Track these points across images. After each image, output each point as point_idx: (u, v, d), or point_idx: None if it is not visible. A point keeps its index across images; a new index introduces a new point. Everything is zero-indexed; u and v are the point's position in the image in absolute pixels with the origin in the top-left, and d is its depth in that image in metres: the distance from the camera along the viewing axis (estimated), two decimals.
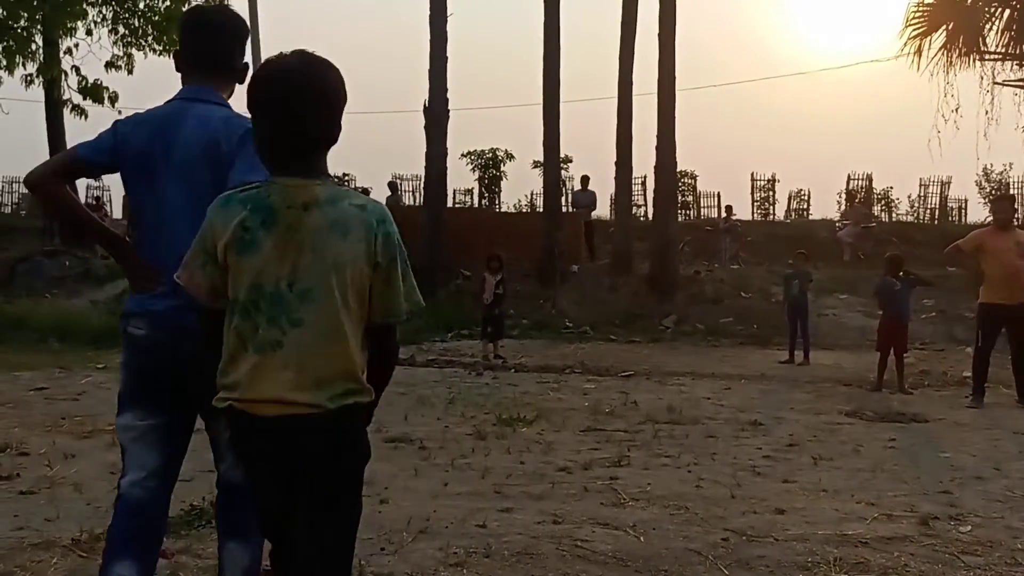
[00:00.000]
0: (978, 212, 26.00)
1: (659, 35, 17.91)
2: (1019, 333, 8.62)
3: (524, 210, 26.59)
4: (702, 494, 4.96)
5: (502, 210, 26.72)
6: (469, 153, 26.84)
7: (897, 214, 26.76)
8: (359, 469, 2.27)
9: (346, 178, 28.41)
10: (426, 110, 18.34)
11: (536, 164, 21.32)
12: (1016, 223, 10.14)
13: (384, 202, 22.87)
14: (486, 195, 27.56)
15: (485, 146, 27.07)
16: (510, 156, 26.81)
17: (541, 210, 20.72)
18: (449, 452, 6.00)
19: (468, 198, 28.22)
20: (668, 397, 8.78)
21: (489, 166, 26.88)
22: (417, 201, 24.62)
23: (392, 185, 24.38)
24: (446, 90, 18.26)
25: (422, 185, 20.83)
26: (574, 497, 4.86)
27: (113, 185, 26.59)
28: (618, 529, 4.21)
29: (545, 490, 5.00)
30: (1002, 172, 24.74)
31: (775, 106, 56.43)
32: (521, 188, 42.45)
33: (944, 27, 17.74)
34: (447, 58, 18.21)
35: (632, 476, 5.38)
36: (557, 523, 4.31)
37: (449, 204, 23.06)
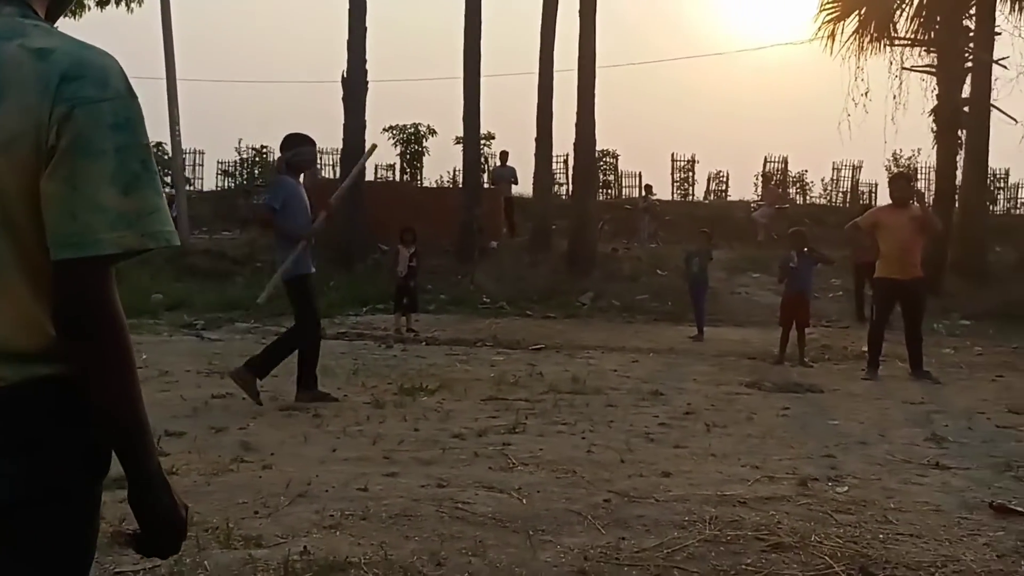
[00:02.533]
0: (887, 195, 26.79)
1: (580, 11, 17.90)
2: (912, 307, 8.88)
3: (446, 186, 26.39)
4: (592, 459, 4.97)
5: (424, 186, 26.47)
6: (391, 128, 26.50)
7: (811, 196, 27.41)
8: (72, 485, 1.32)
9: (264, 150, 27.83)
10: (344, 81, 18.01)
11: (458, 140, 21.15)
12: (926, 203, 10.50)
13: (302, 176, 22.35)
14: (408, 171, 27.25)
15: (407, 121, 26.77)
16: (432, 131, 26.54)
17: (462, 186, 20.61)
18: (343, 420, 5.91)
19: (390, 173, 27.89)
20: (575, 369, 8.79)
21: (411, 141, 26.56)
22: (336, 175, 24.20)
23: None
24: (365, 61, 17.96)
25: (340, 159, 20.48)
26: (463, 462, 4.82)
27: None
28: (502, 492, 4.19)
29: (435, 456, 4.95)
30: (910, 157, 25.52)
31: (696, 87, 57.20)
32: (443, 164, 42.23)
33: (857, 12, 18.17)
34: (366, 28, 17.90)
35: (525, 442, 5.36)
36: (441, 487, 4.26)
37: (369, 179, 22.78)
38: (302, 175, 7.17)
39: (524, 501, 4.05)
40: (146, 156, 1.31)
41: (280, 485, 4.17)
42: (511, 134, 51.35)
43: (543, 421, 6.10)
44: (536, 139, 19.08)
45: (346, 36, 17.93)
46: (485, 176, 22.47)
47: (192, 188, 26.85)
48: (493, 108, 31.91)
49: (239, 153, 28.07)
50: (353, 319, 13.89)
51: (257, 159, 27.87)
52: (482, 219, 18.79)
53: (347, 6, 17.89)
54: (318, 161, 25.26)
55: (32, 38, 1.28)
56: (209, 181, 28.61)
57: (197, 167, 28.56)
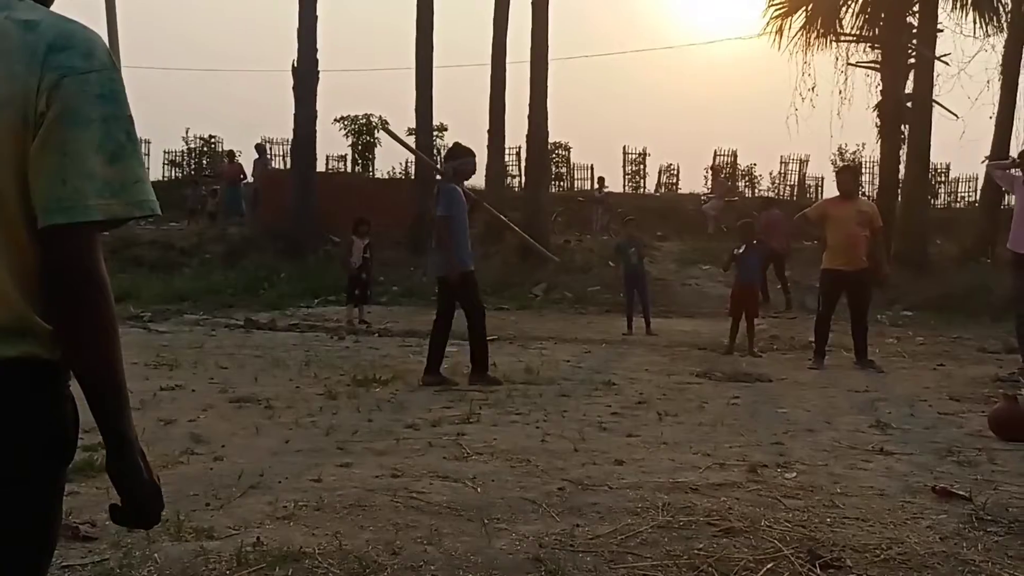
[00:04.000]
0: (834, 189, 27.27)
1: (533, 3, 17.93)
2: (857, 298, 9.05)
3: (398, 177, 26.26)
4: (546, 448, 5.00)
5: (376, 177, 26.31)
6: (343, 118, 26.29)
7: (760, 190, 27.82)
8: (34, 470, 1.31)
9: (212, 140, 27.40)
10: (294, 70, 17.82)
11: (410, 131, 21.06)
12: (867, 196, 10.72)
13: (252, 166, 22.20)
14: (359, 161, 27.06)
15: (359, 111, 26.56)
16: (384, 122, 26.37)
17: (414, 177, 20.51)
18: (296, 411, 5.87)
19: (341, 164, 27.67)
20: (528, 359, 8.84)
21: (363, 132, 26.37)
22: (287, 165, 23.92)
23: (260, 148, 23.60)
24: (316, 50, 17.79)
25: (291, 148, 20.26)
26: (418, 452, 4.81)
27: None
28: (457, 481, 4.19)
29: (389, 446, 4.94)
30: (855, 151, 26.02)
31: (647, 80, 57.72)
32: (396, 155, 41.92)
33: (804, 8, 18.48)
34: (317, 17, 17.72)
35: (480, 432, 5.37)
36: (396, 476, 4.26)
37: (321, 169, 22.58)
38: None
39: (479, 490, 4.05)
40: (130, 127, 1.35)
41: (232, 477, 4.12)
42: (464, 126, 51.08)
43: (497, 411, 6.11)
44: (489, 131, 19.09)
45: (296, 24, 17.73)
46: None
47: None
48: (446, 99, 31.82)
49: (186, 143, 27.65)
50: (305, 310, 13.78)
51: (205, 149, 27.44)
52: (434, 211, 18.72)
53: None
54: (268, 151, 24.99)
55: (18, 11, 1.32)
56: (155, 171, 28.08)
57: (143, 157, 28.02)
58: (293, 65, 17.86)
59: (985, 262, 16.77)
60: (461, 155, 7.54)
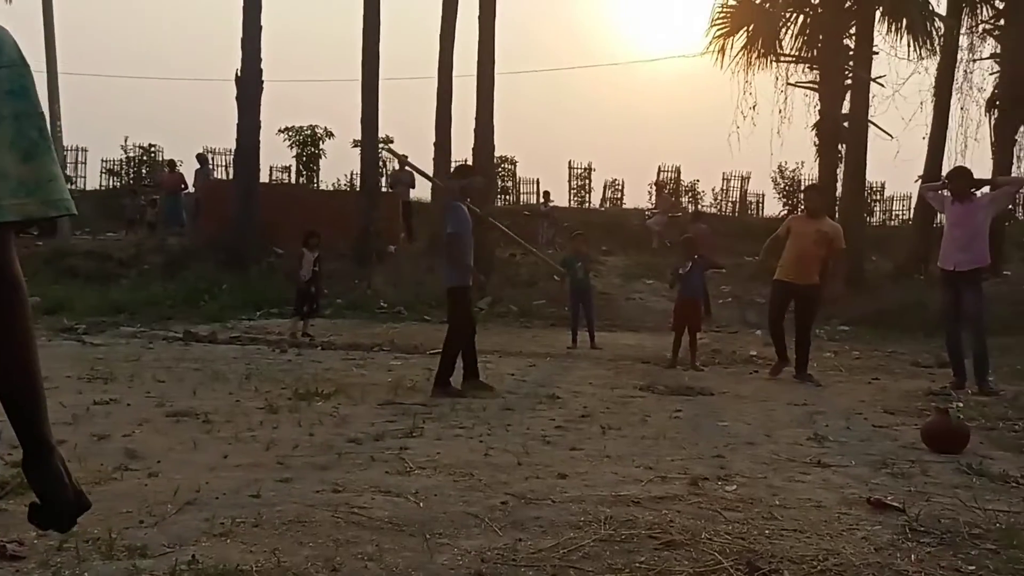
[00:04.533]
0: (774, 206, 27.82)
1: (479, 17, 18.00)
2: (802, 311, 9.30)
3: (343, 189, 26.08)
4: (490, 462, 4.98)
5: (320, 188, 26.08)
6: (287, 129, 26.04)
7: (703, 205, 28.21)
8: None
9: (152, 149, 26.92)
10: (238, 80, 17.60)
11: (356, 143, 20.94)
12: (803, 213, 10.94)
13: (193, 176, 21.86)
14: (304, 173, 26.81)
15: (304, 123, 26.34)
16: (329, 134, 26.22)
17: (360, 189, 20.38)
18: (235, 426, 5.75)
19: (285, 175, 27.39)
20: None
21: (307, 143, 26.15)
22: (229, 176, 23.59)
23: (202, 157, 23.24)
24: (260, 60, 17.60)
25: (233, 159, 19.99)
26: (360, 467, 4.76)
27: None
28: (399, 496, 4.15)
29: (331, 460, 4.87)
30: (795, 169, 26.59)
31: (593, 96, 58.22)
32: (341, 167, 41.72)
33: (745, 29, 18.86)
34: (261, 27, 17.54)
35: (423, 446, 5.34)
36: (337, 492, 4.20)
37: (264, 180, 22.31)
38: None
39: (421, 505, 4.02)
40: (42, 124, 1.31)
41: (167, 493, 4.03)
42: (410, 138, 50.94)
43: (440, 425, 6.08)
44: (435, 144, 19.07)
45: (240, 34, 17.53)
46: (383, 180, 22.31)
47: (74, 187, 25.74)
48: (392, 111, 31.79)
49: (125, 151, 27.11)
50: (247, 323, 13.57)
51: (145, 158, 26.93)
52: (380, 223, 18.66)
53: (241, 3, 17.48)
54: (210, 161, 24.62)
55: None
56: (93, 180, 27.51)
57: (80, 165, 27.44)
58: (237, 74, 17.64)
59: (918, 279, 17.25)
60: (468, 174, 8.08)
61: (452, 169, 8.04)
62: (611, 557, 3.37)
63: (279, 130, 25.83)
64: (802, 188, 25.00)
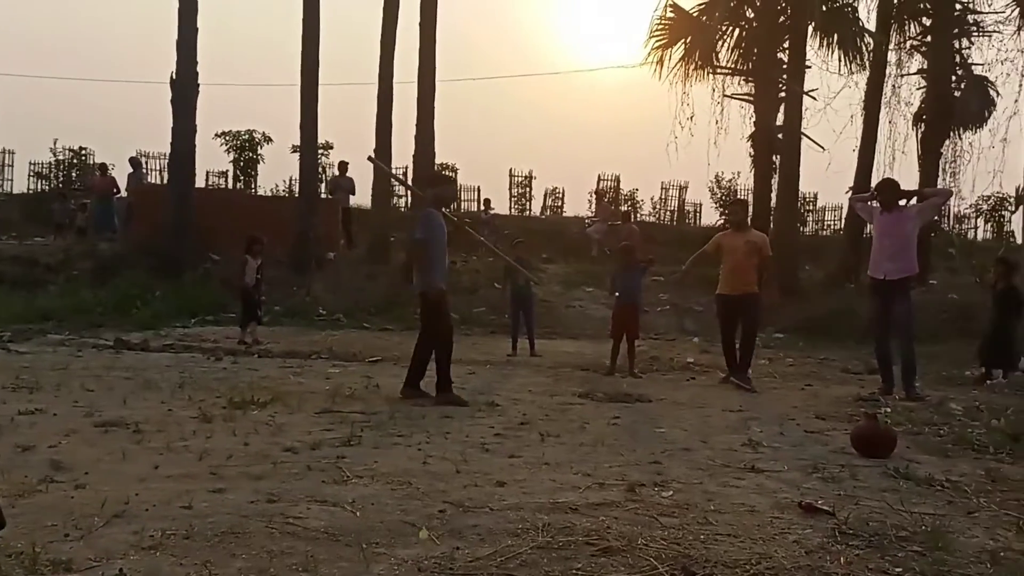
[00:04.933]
0: (711, 216, 28.28)
1: (420, 24, 17.97)
2: (746, 320, 9.66)
3: (282, 195, 25.75)
4: (428, 470, 4.95)
5: (258, 194, 25.72)
6: (224, 133, 25.64)
7: (641, 214, 28.55)
8: None
9: (83, 152, 26.26)
10: (173, 82, 17.27)
11: (295, 148, 20.70)
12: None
13: (126, 180, 21.44)
14: (241, 178, 26.41)
15: (242, 127, 25.96)
16: (268, 139, 25.89)
17: (298, 195, 20.15)
18: (167, 435, 5.62)
19: (222, 180, 26.94)
20: None
21: (245, 148, 25.77)
22: (164, 180, 23.11)
23: (135, 161, 22.73)
24: (196, 63, 17.30)
25: (168, 163, 19.59)
26: (296, 476, 4.69)
27: None
28: (335, 506, 4.10)
29: (266, 470, 4.79)
30: (731, 179, 27.08)
31: (534, 104, 58.58)
32: (279, 172, 41.13)
33: (683, 41, 19.18)
34: (197, 29, 17.24)
35: (360, 455, 5.28)
36: (272, 502, 4.13)
37: (200, 185, 21.93)
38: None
39: (358, 514, 3.98)
40: None
41: (94, 505, 3.91)
42: (350, 144, 50.55)
43: (379, 433, 6.03)
44: (375, 150, 18.94)
45: (176, 36, 17.21)
46: (323, 186, 22.09)
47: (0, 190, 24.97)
48: (332, 117, 31.49)
49: (54, 154, 26.37)
50: (181, 330, 13.30)
51: (75, 161, 26.24)
52: (319, 229, 18.47)
53: (177, 4, 17.17)
54: (144, 165, 24.10)
55: None
56: (20, 183, 26.68)
57: (6, 168, 26.61)
58: (172, 77, 17.30)
59: (849, 287, 17.69)
60: (441, 183, 8.22)
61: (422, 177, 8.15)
62: (548, 564, 3.37)
63: (216, 134, 25.46)
64: (729, 203, 25.60)
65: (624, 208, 26.79)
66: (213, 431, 5.84)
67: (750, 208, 16.02)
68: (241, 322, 12.12)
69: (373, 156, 16.03)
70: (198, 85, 17.48)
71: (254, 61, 55.72)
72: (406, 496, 4.35)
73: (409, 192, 23.71)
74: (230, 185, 26.52)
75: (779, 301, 11.07)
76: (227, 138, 25.69)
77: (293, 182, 24.90)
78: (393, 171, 20.89)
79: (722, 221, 26.58)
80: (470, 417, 6.89)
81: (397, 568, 3.30)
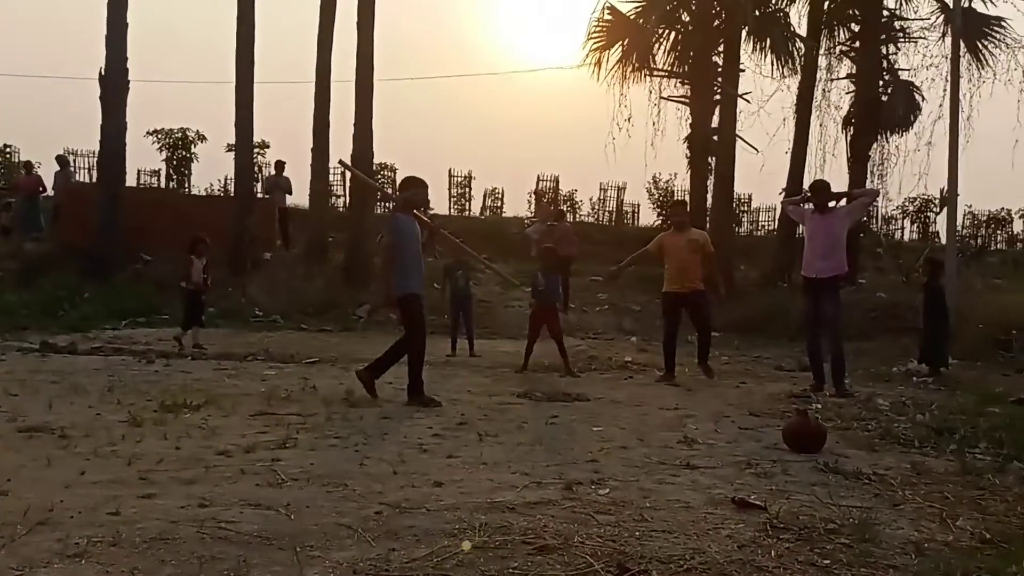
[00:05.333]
0: (649, 216, 28.59)
1: (358, 23, 17.80)
2: (695, 314, 10.11)
3: (216, 194, 25.28)
4: (365, 471, 4.91)
5: (192, 193, 25.21)
6: (156, 131, 25.07)
7: (580, 215, 28.72)
8: None
9: (7, 149, 25.47)
10: (102, 79, 16.83)
11: (230, 147, 20.34)
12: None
13: (52, 179, 20.84)
14: (175, 177, 25.85)
15: (175, 125, 25.41)
16: (202, 137, 25.39)
17: (234, 195, 19.80)
18: (95, 440, 5.48)
19: (155, 179, 26.34)
20: (350, 382, 8.65)
21: (178, 146, 25.23)
22: (93, 179, 22.50)
23: (62, 159, 22.04)
24: (126, 59, 16.90)
25: (97, 161, 19.08)
26: (229, 480, 4.61)
27: None
28: (269, 509, 4.04)
29: (198, 474, 4.70)
30: (668, 180, 27.40)
31: (473, 104, 58.40)
32: (214, 171, 40.32)
33: (620, 43, 19.34)
34: (127, 24, 16.83)
35: (296, 457, 5.21)
36: (203, 506, 4.05)
37: (131, 184, 21.42)
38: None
39: (292, 517, 3.93)
40: None
41: (17, 513, 3.79)
42: (287, 143, 49.87)
43: (315, 435, 5.96)
44: (312, 149, 18.72)
45: (105, 31, 16.77)
46: (259, 185, 21.75)
47: None
48: (268, 116, 31.04)
49: None
50: (111, 333, 12.96)
51: None
52: (255, 229, 18.17)
53: None
54: (71, 164, 23.46)
55: None
56: None
57: None
58: (101, 73, 16.86)
59: (783, 286, 18.04)
60: (412, 187, 8.06)
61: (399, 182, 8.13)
62: (485, 564, 3.37)
63: (148, 132, 24.87)
64: (670, 203, 25.91)
65: (558, 207, 26.87)
66: (143, 435, 5.71)
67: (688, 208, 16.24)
68: (183, 323, 11.87)
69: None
70: (128, 81, 17.07)
71: (188, 57, 54.62)
72: (342, 498, 4.31)
73: (347, 192, 23.51)
74: (163, 184, 25.94)
75: (725, 297, 11.33)
76: (159, 136, 25.15)
77: (228, 181, 24.47)
78: (331, 171, 20.67)
79: (660, 222, 26.95)
80: (408, 418, 6.86)
81: (332, 571, 3.26)
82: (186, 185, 25.91)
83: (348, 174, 21.66)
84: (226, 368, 9.65)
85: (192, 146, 25.49)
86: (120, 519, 3.79)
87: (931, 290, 11.30)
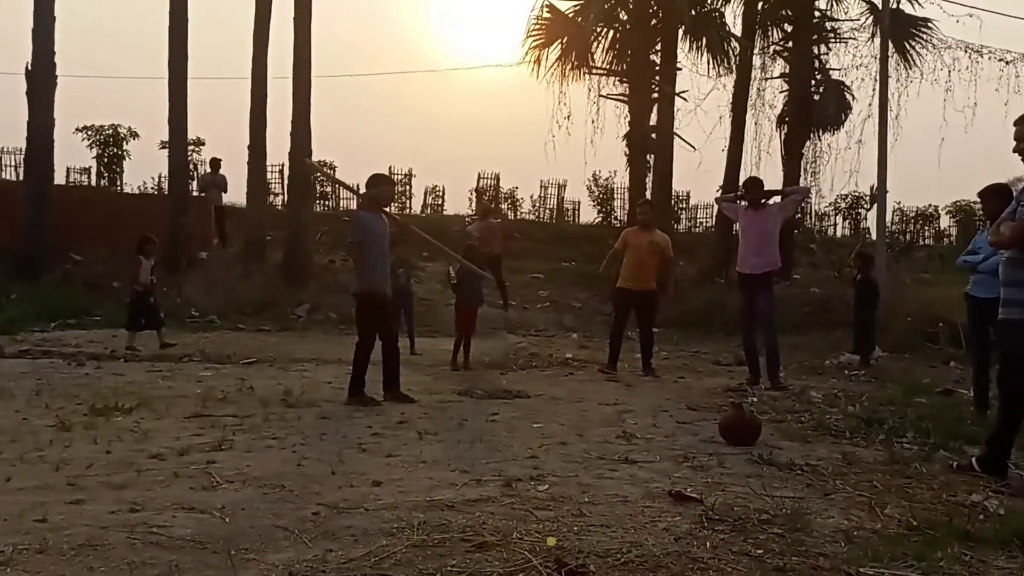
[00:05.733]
0: (590, 213, 28.74)
1: (295, 19, 17.57)
2: (643, 313, 10.24)
3: (150, 192, 24.70)
4: (302, 472, 4.86)
5: (124, 192, 24.59)
6: (86, 128, 24.37)
7: (521, 212, 28.76)
8: None
9: None
10: (28, 73, 16.33)
11: (164, 144, 19.87)
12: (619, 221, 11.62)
13: None
14: (106, 175, 25.16)
15: (106, 121, 24.74)
16: (134, 134, 24.73)
17: (168, 193, 19.37)
18: (21, 446, 5.32)
19: (85, 177, 25.61)
20: (288, 382, 8.57)
21: (109, 143, 24.56)
22: (19, 177, 21.79)
23: None
24: (53, 53, 16.43)
25: (24, 159, 18.49)
26: (161, 484, 4.52)
27: None
28: (203, 512, 3.97)
29: (129, 479, 4.60)
30: (608, 178, 27.57)
31: (413, 101, 57.99)
32: (148, 169, 39.42)
33: (559, 41, 19.43)
34: (55, 17, 16.37)
35: (232, 459, 5.13)
36: (135, 511, 3.96)
37: (60, 182, 20.82)
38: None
39: (227, 520, 3.86)
40: None
41: None
42: (224, 141, 48.92)
43: (252, 436, 5.87)
44: (249, 147, 18.40)
45: (32, 24, 16.28)
46: (194, 184, 21.33)
47: None
48: (203, 112, 30.40)
49: None
50: (39, 335, 12.57)
51: None
52: (190, 228, 17.83)
53: None
54: None
55: None
56: None
57: None
58: (27, 67, 16.36)
59: (720, 283, 18.34)
60: (378, 184, 8.06)
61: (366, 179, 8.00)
62: (423, 562, 3.36)
63: (77, 128, 24.14)
64: (617, 200, 26.18)
65: (485, 204, 26.79)
66: (72, 440, 5.57)
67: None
68: (128, 325, 11.61)
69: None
70: (56, 76, 16.59)
71: (119, 52, 53.28)
72: (279, 500, 4.26)
73: (286, 190, 23.21)
74: (93, 182, 25.23)
75: (670, 303, 11.50)
76: (89, 133, 24.41)
77: (163, 179, 23.93)
78: (268, 169, 20.38)
79: (601, 219, 27.17)
80: (348, 417, 6.80)
81: (267, 573, 3.22)
82: (118, 183, 25.22)
83: (285, 171, 21.32)
84: (160, 370, 9.45)
85: (124, 143, 24.80)
86: (47, 526, 3.68)
87: (862, 283, 11.61)
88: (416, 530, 3.76)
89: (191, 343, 12.17)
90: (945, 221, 31.13)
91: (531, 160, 48.48)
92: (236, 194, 20.62)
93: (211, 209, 19.84)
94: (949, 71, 19.84)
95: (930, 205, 31.04)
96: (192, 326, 14.49)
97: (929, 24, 20.04)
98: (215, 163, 20.73)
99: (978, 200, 7.23)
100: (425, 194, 29.14)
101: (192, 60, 17.59)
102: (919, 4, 20.06)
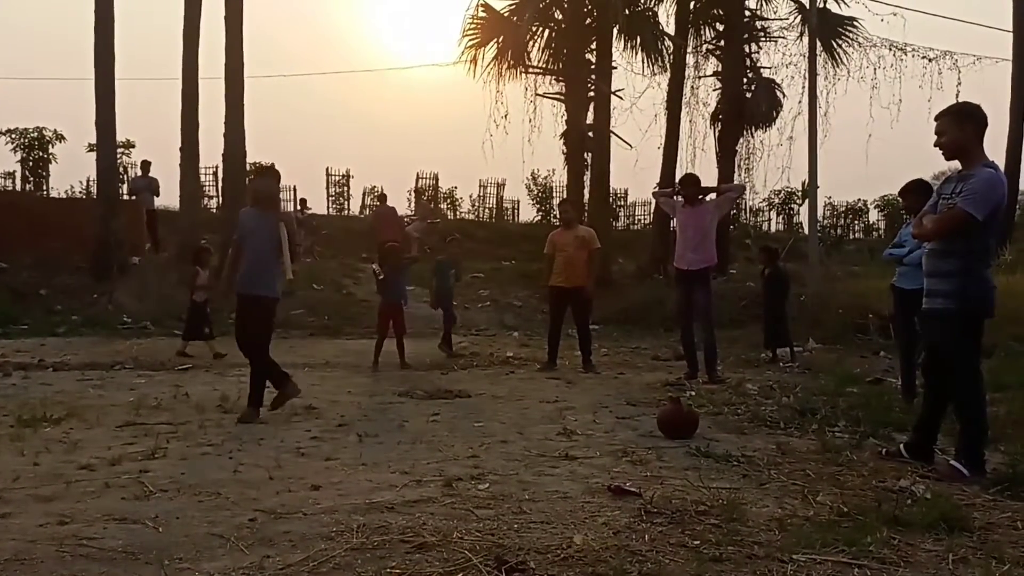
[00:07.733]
0: (529, 212, 28.85)
1: (226, 18, 17.28)
2: (578, 309, 10.35)
3: (78, 197, 24.07)
4: (239, 478, 4.78)
5: (51, 196, 23.92)
6: (9, 131, 23.66)
7: (460, 212, 28.76)
8: None
9: None
10: None
11: (91, 147, 19.37)
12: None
13: None
14: (31, 179, 24.45)
15: (30, 124, 24.04)
16: (60, 137, 24.09)
17: (96, 197, 18.87)
18: None
19: (9, 181, 24.86)
20: (225, 387, 8.43)
21: (34, 147, 23.88)
22: None
23: None
24: None
25: None
26: (92, 495, 4.40)
27: None
28: (136, 523, 3.88)
29: (58, 490, 4.47)
30: (546, 176, 27.73)
31: (349, 102, 57.63)
32: (76, 173, 38.38)
33: (495, 40, 19.46)
34: None
35: (166, 468, 5.02)
36: (64, 523, 3.85)
37: None
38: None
39: (160, 529, 3.78)
40: None
41: None
42: (156, 143, 47.91)
43: (187, 444, 5.76)
44: (181, 149, 18.03)
45: None
46: (124, 187, 20.83)
47: None
48: (133, 114, 29.78)
49: None
50: None
51: None
52: (121, 233, 17.39)
53: None
54: None
55: None
56: None
57: None
58: None
59: (658, 279, 18.56)
60: (258, 177, 7.83)
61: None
62: (362, 565, 3.33)
63: (0, 132, 23.43)
64: (556, 199, 26.31)
65: (428, 204, 26.69)
66: None
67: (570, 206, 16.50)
68: (185, 335, 11.58)
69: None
70: None
71: (43, 53, 51.78)
72: (214, 507, 4.18)
73: (220, 193, 22.78)
74: (18, 187, 24.50)
75: (594, 293, 11.56)
76: (13, 136, 23.73)
77: (91, 183, 23.34)
78: (202, 171, 20.01)
79: (540, 217, 27.28)
80: (286, 422, 6.71)
81: None
82: (44, 187, 24.55)
83: (220, 173, 20.89)
84: (91, 378, 9.21)
85: (50, 146, 24.17)
86: None
87: (770, 276, 11.83)
88: (355, 533, 3.73)
89: (123, 350, 11.89)
90: (874, 215, 32.04)
91: (470, 160, 48.73)
92: (169, 197, 20.21)
93: (143, 213, 19.41)
94: (875, 69, 20.44)
95: (859, 200, 31.93)
96: (125, 333, 14.16)
97: (855, 23, 20.59)
98: (145, 165, 20.27)
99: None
100: (363, 195, 28.96)
101: (120, 60, 17.17)
102: (845, 3, 20.62)
